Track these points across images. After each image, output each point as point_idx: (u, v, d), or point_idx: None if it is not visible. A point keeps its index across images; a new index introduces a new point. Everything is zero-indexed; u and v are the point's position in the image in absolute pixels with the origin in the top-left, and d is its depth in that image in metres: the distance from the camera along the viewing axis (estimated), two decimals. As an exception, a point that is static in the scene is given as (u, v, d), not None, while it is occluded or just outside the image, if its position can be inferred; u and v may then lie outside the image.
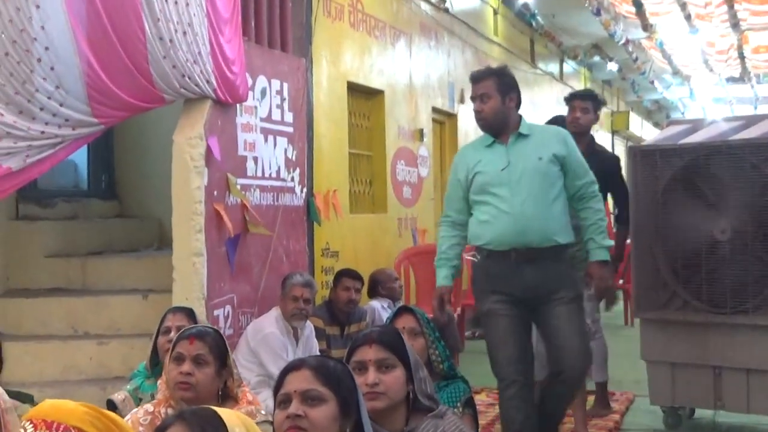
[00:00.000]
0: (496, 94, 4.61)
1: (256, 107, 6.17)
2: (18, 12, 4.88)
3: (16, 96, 4.93)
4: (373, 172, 9.20)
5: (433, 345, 3.87)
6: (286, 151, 6.59)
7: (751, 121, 5.74)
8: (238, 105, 5.89)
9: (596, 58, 17.60)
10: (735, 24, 12.83)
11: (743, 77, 18.44)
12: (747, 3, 11.84)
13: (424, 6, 10.42)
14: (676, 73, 17.95)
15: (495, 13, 13.31)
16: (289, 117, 6.65)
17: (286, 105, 6.60)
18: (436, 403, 2.96)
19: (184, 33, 5.29)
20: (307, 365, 2.37)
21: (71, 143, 5.19)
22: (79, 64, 5.02)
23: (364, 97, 9.05)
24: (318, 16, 7.65)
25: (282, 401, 2.35)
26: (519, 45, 14.65)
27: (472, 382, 4.09)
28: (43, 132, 5.00)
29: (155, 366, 4.25)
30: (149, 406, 3.48)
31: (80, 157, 7.45)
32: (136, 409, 3.56)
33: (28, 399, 4.49)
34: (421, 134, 10.04)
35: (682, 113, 25.61)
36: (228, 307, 5.75)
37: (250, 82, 6.03)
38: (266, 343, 5.58)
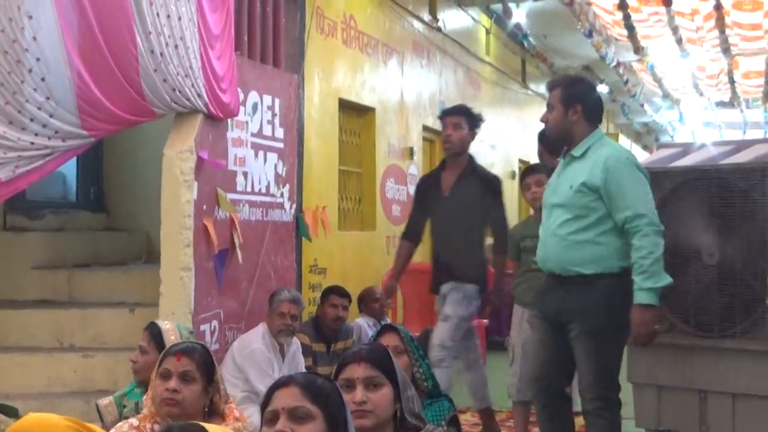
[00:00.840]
0: (560, 105, 4.49)
1: (247, 122, 6.16)
2: (10, 22, 4.87)
3: (6, 106, 4.92)
4: (362, 189, 9.21)
5: (417, 363, 3.85)
6: (276, 166, 6.58)
7: (741, 145, 5.76)
8: (229, 119, 5.88)
9: (587, 80, 17.63)
10: (726, 49, 12.89)
11: (733, 102, 18.52)
12: (738, 28, 11.90)
13: (417, 25, 10.46)
14: (666, 96, 18.01)
15: (487, 33, 13.39)
16: (279, 132, 6.64)
17: (277, 120, 6.60)
18: (423, 422, 2.94)
19: (176, 47, 5.27)
20: (296, 382, 2.35)
21: (61, 155, 5.17)
22: (70, 76, 5.01)
23: (355, 114, 9.07)
24: (311, 33, 7.67)
25: (269, 419, 2.32)
26: (510, 65, 14.73)
27: (458, 402, 4.08)
28: (32, 143, 4.98)
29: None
30: (134, 421, 3.44)
31: (69, 168, 7.43)
32: (120, 423, 3.52)
33: (12, 413, 4.44)
34: (411, 152, 10.07)
35: (672, 137, 25.70)
36: (215, 322, 5.72)
37: (241, 97, 6.02)
38: (252, 359, 5.56)
